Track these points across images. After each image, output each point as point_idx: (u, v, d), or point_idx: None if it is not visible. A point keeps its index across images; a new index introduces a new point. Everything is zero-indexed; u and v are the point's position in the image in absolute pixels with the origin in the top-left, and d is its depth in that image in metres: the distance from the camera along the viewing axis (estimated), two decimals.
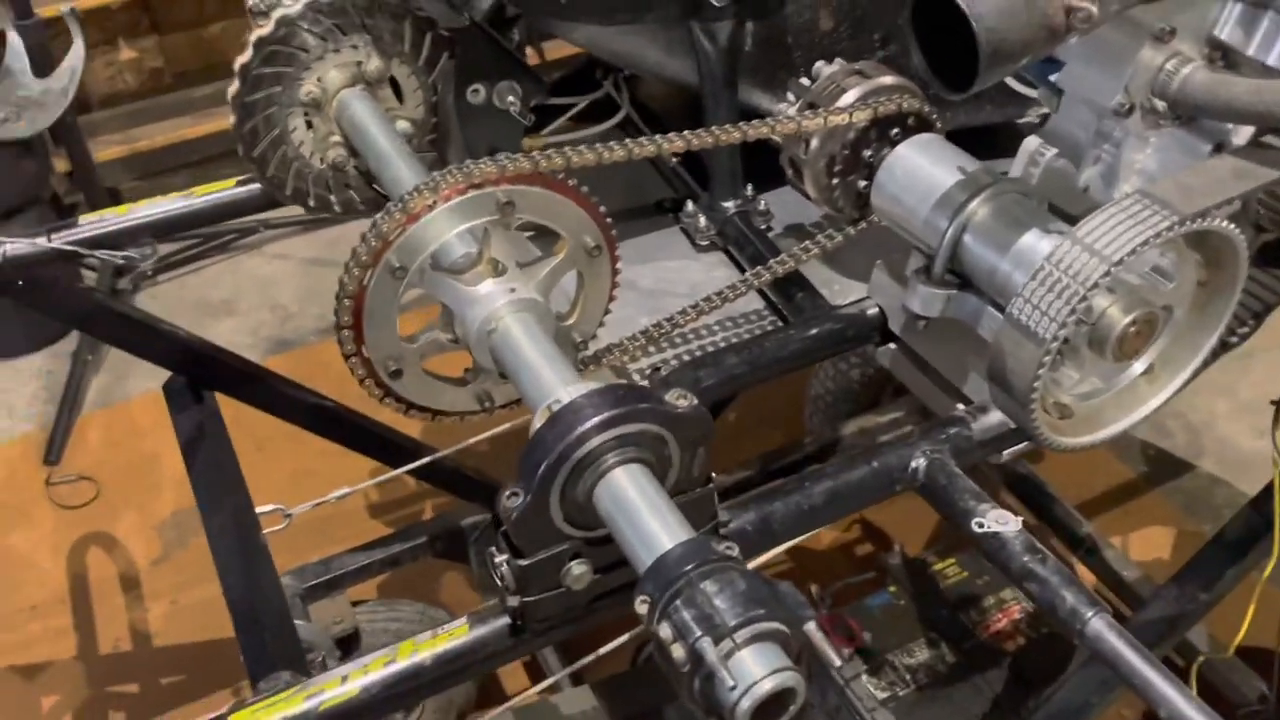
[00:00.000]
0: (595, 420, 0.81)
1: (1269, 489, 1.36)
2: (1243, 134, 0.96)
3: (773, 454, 2.13)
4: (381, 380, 1.03)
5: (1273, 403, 1.32)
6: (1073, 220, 0.93)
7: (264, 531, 1.33)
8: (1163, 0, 0.92)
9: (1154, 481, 2.56)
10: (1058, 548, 2.18)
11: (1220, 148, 0.97)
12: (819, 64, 1.16)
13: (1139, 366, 0.98)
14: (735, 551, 0.76)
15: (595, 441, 0.81)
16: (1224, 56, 0.95)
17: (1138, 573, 2.03)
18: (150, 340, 1.46)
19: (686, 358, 1.24)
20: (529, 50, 2.66)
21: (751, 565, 1.03)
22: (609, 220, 1.04)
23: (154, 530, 2.48)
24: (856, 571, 1.99)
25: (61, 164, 3.05)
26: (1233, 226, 0.88)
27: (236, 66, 1.20)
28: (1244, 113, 0.90)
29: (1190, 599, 1.42)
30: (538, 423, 0.85)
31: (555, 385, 0.89)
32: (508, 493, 0.82)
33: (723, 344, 1.25)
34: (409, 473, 1.60)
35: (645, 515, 0.79)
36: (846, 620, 1.77)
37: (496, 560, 0.85)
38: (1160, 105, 0.96)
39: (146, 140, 3.22)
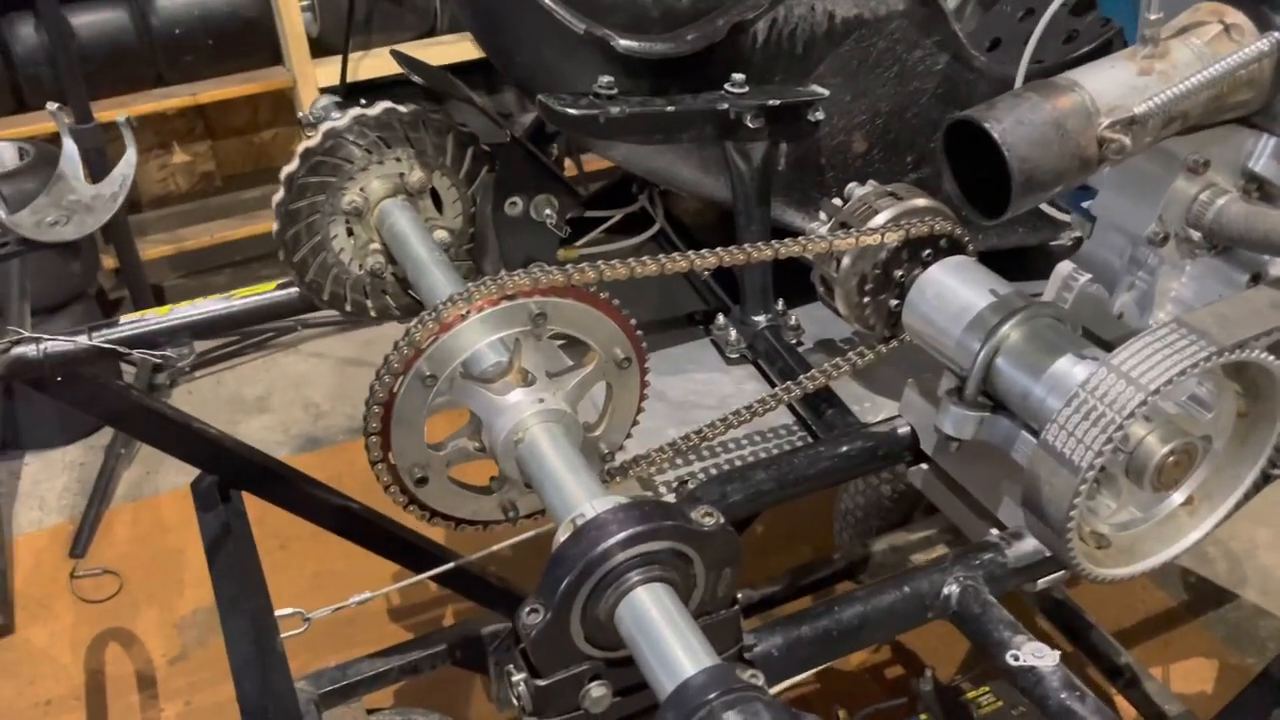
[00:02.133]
0: (620, 536, 0.79)
1: None
2: None
3: (801, 569, 2.08)
4: (406, 487, 1.02)
5: None
6: (1106, 346, 0.92)
7: (282, 635, 1.32)
8: (1196, 133, 0.92)
9: (1195, 611, 2.47)
10: (1095, 677, 2.11)
11: (1257, 278, 0.96)
12: (852, 185, 1.18)
13: (1178, 497, 0.96)
14: (760, 680, 0.74)
15: (619, 558, 0.79)
16: (1259, 189, 0.95)
17: (1180, 707, 1.94)
18: (181, 438, 1.47)
19: (714, 471, 1.23)
20: (567, 162, 2.73)
21: (776, 689, 1.01)
22: (639, 333, 1.04)
23: (174, 628, 2.45)
24: (886, 696, 1.92)
25: (109, 261, 3.13)
26: (1272, 358, 0.87)
27: (283, 175, 1.23)
28: None
29: None
30: (561, 536, 0.84)
31: (580, 499, 0.88)
32: (528, 609, 0.80)
33: (751, 459, 1.24)
34: (431, 578, 1.58)
35: (668, 637, 0.77)
36: None
37: (514, 679, 0.82)
38: (1195, 235, 0.96)
39: (193, 240, 3.30)
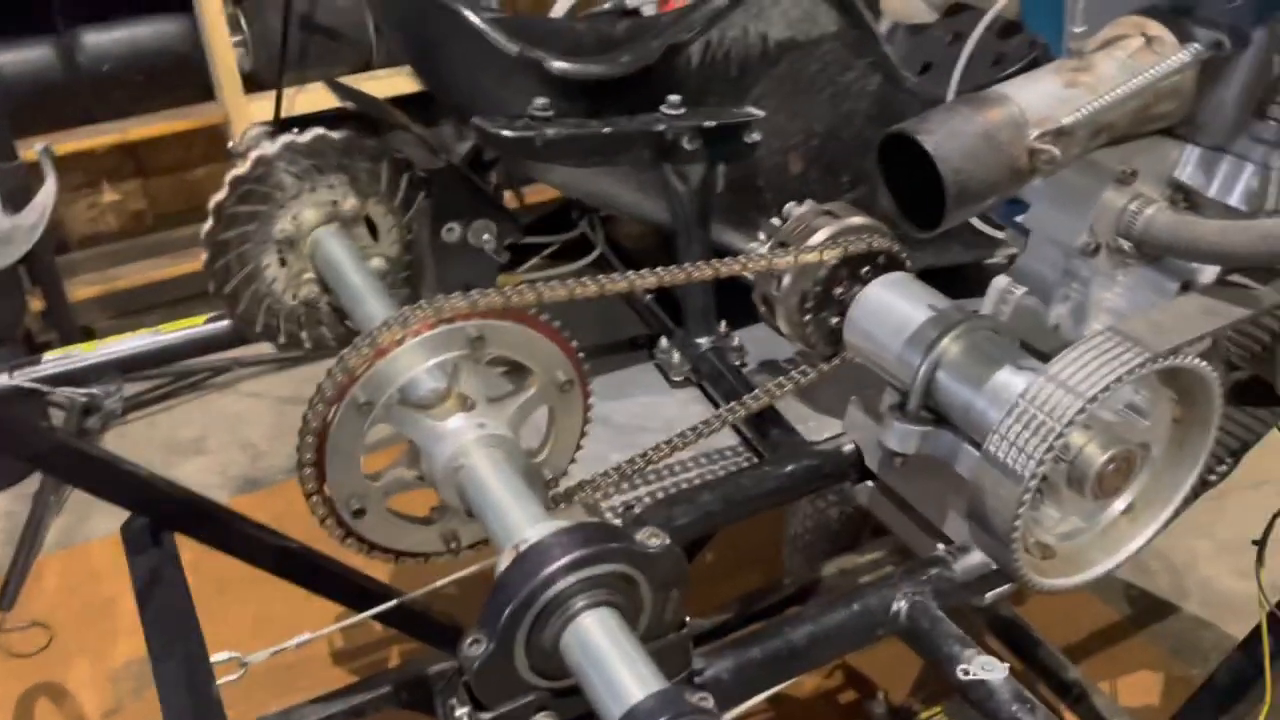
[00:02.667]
0: (563, 561, 0.78)
1: (1257, 631, 1.33)
2: (1209, 273, 0.97)
3: (751, 596, 2.07)
4: (343, 520, 0.99)
5: (1254, 542, 1.30)
6: (1044, 358, 0.93)
7: (219, 681, 1.27)
8: (1123, 144, 0.94)
9: (1139, 624, 2.50)
10: (1044, 694, 2.11)
11: (1187, 286, 0.98)
12: (789, 205, 1.18)
13: (1120, 505, 0.97)
14: (709, 703, 0.72)
15: (563, 584, 0.77)
16: (1186, 198, 0.97)
17: None
18: (110, 480, 1.41)
19: (660, 495, 1.21)
20: (507, 194, 2.73)
21: (730, 716, 0.99)
22: (581, 355, 1.03)
23: (107, 680, 2.36)
24: None
25: (36, 302, 3.04)
26: (1204, 363, 0.88)
27: (211, 204, 1.20)
28: (1210, 253, 0.91)
29: None
30: (504, 563, 0.82)
31: (523, 524, 0.86)
32: (470, 639, 0.78)
33: (697, 481, 1.23)
34: (374, 617, 1.54)
35: (614, 663, 0.75)
36: None
37: (457, 713, 0.80)
38: (1126, 245, 0.97)
39: (124, 280, 3.22)
